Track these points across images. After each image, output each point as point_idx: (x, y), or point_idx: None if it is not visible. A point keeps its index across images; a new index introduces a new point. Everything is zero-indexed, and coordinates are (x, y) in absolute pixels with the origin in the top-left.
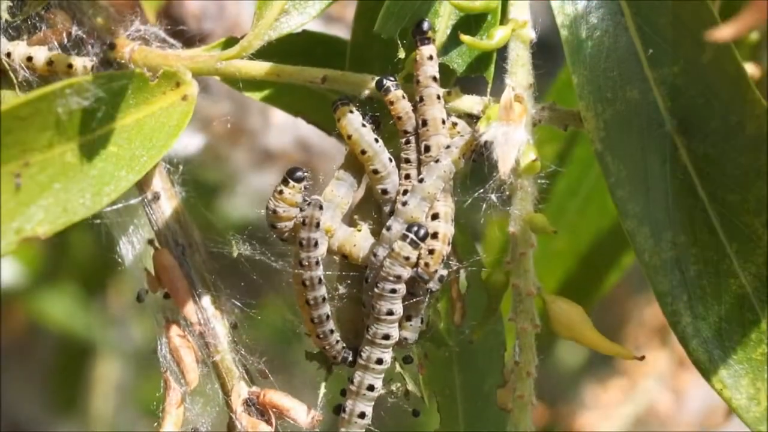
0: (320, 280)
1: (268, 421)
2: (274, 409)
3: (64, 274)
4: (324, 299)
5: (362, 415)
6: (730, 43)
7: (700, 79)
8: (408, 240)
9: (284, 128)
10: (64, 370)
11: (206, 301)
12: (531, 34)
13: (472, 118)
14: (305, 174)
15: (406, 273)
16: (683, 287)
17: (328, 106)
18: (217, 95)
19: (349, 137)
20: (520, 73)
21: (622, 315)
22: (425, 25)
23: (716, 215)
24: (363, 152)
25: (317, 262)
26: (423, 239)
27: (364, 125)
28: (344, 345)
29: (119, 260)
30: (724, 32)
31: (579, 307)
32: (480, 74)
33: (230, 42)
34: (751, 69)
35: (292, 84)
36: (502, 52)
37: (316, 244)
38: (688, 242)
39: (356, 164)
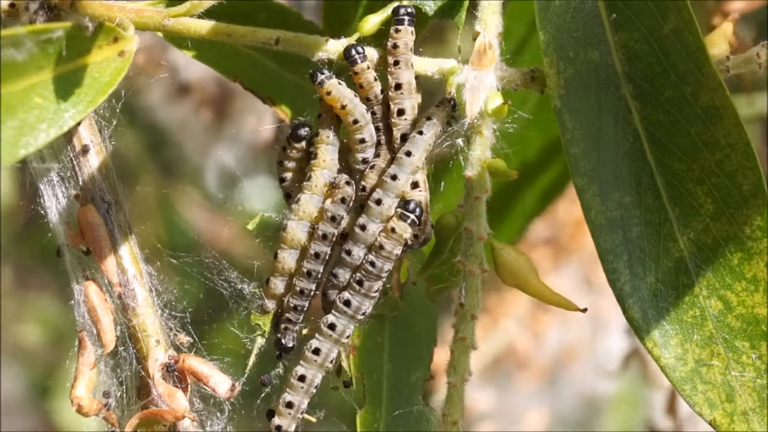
0: (326, 255)
1: (185, 389)
2: (192, 376)
3: None
4: (318, 275)
5: (316, 387)
6: (693, 17)
7: (659, 48)
8: (409, 221)
9: None
10: None
11: (127, 261)
12: None
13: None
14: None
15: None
16: (624, 247)
17: (266, 74)
18: None
19: (343, 107)
20: (490, 21)
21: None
22: (408, 10)
23: (662, 180)
24: (355, 122)
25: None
26: (420, 217)
27: (355, 95)
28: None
29: (42, 212)
30: None
31: (526, 255)
32: (449, 19)
33: None
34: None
35: (231, 47)
36: None
37: (341, 221)
38: (633, 204)
39: (333, 121)
